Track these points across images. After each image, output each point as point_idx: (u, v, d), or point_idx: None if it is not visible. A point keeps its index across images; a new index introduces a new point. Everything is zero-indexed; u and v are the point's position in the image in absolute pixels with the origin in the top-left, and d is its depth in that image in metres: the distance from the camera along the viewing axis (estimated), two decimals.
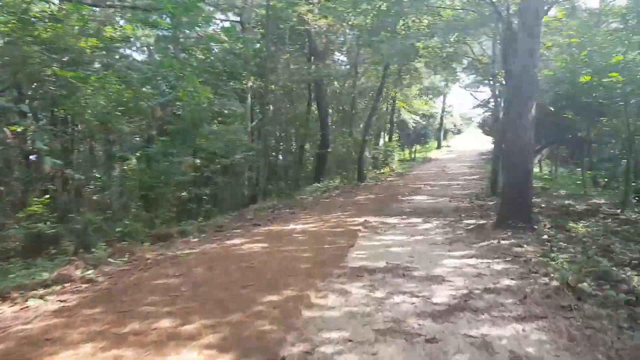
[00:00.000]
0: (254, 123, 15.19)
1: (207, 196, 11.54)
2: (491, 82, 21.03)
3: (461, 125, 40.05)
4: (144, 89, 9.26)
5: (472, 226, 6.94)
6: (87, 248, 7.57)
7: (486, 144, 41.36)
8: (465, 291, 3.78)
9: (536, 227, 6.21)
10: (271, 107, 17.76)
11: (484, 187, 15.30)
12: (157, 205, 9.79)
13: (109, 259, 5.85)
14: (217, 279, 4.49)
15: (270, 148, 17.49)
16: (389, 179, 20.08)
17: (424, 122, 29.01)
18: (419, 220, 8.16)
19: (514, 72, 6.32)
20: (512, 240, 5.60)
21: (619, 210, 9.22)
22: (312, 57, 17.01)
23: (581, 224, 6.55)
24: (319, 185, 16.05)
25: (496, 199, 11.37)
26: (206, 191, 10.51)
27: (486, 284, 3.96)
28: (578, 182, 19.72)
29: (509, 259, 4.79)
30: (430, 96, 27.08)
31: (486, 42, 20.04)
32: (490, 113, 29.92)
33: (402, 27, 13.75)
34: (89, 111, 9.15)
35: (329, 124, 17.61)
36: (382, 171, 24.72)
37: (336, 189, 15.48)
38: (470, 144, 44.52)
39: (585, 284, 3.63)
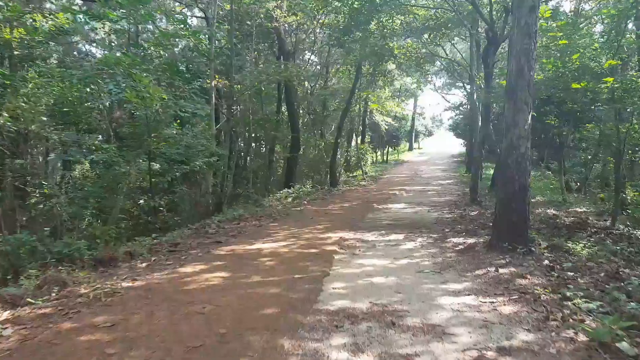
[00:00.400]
0: (219, 125, 14.08)
1: (164, 207, 10.38)
2: (466, 85, 20.72)
3: (432, 127, 40.01)
4: (88, 89, 8.08)
5: (460, 246, 6.17)
6: (18, 274, 6.37)
7: (457, 146, 41.57)
8: (475, 353, 2.94)
9: (534, 249, 5.49)
10: (239, 108, 16.70)
11: (460, 193, 14.78)
12: (105, 220, 8.58)
13: (30, 299, 4.73)
14: (158, 334, 3.48)
15: (238, 152, 16.41)
16: (362, 183, 19.36)
17: (397, 124, 28.51)
18: (400, 236, 7.34)
19: (508, 74, 5.58)
20: (512, 269, 4.83)
21: (608, 223, 8.74)
22: (281, 57, 16.04)
23: (580, 245, 5.89)
24: (289, 191, 15.10)
25: (478, 208, 10.77)
26: (161, 202, 9.35)
27: (498, 339, 3.14)
28: (551, 186, 19.69)
29: (516, 296, 4.01)
30: (403, 98, 26.55)
31: (461, 44, 19.69)
32: (461, 116, 29.80)
33: (376, 27, 13.03)
34: (24, 113, 7.86)
35: (300, 126, 16.67)
36: (354, 174, 24.04)
37: (307, 195, 14.57)
38: (441, 146, 44.67)
39: (624, 343, 2.86)
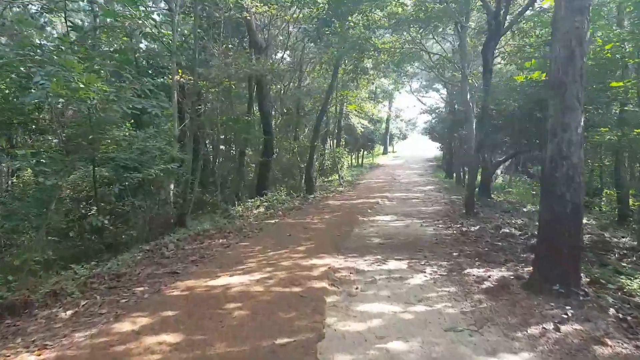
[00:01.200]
0: (182, 126, 12.34)
1: (110, 223, 8.57)
2: (449, 86, 19.69)
3: (407, 130, 39.22)
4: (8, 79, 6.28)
5: (487, 283, 4.80)
6: None
7: (432, 150, 40.97)
8: None
9: (586, 289, 4.18)
10: (206, 108, 14.96)
11: (448, 201, 13.61)
12: (27, 246, 6.76)
13: None
14: None
15: (205, 155, 14.66)
16: (339, 189, 17.96)
17: (372, 127, 27.34)
18: (402, 264, 5.91)
19: (551, 63, 4.27)
20: (578, 326, 3.48)
21: (626, 239, 7.66)
22: (253, 52, 14.43)
23: (637, 281, 4.63)
24: (262, 199, 13.51)
25: (476, 221, 9.55)
26: (105, 220, 7.54)
27: None
28: (533, 192, 18.95)
29: None
30: (380, 100, 25.39)
31: (445, 41, 18.64)
32: (437, 119, 28.96)
33: (359, 18, 11.67)
34: None
35: (273, 127, 15.10)
36: (330, 179, 22.63)
37: (282, 204, 13.02)
38: (415, 149, 44.05)
39: None
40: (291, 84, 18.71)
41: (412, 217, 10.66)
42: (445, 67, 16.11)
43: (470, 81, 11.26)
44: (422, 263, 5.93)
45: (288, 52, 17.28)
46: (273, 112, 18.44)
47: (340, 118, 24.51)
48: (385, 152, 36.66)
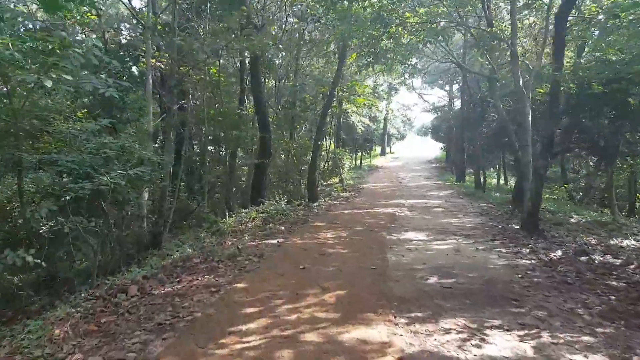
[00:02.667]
0: (158, 121, 9.72)
1: (42, 260, 5.89)
2: (464, 76, 17.25)
3: (404, 130, 36.90)
4: None
5: None
6: None
7: (432, 150, 38.73)
8: None
9: None
10: (191, 102, 12.33)
11: (479, 211, 11.19)
12: None
13: None
14: None
15: (191, 157, 12.01)
16: (343, 194, 15.44)
17: (374, 126, 24.92)
18: (521, 346, 3.39)
19: None
20: None
21: None
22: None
23: None
24: (258, 209, 10.91)
25: (547, 243, 7.10)
26: (28, 257, 4.86)
27: None
28: (554, 196, 16.66)
29: None
30: (384, 96, 22.95)
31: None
32: (441, 118, 26.70)
33: None
34: None
35: (270, 124, 12.51)
36: (329, 182, 20.11)
37: (283, 216, 10.45)
38: (414, 150, 41.78)
39: None
40: (289, 71, 16.17)
41: (451, 234, 8.20)
42: (471, 52, 13.67)
43: (521, 62, 8.84)
44: (552, 342, 3.40)
45: (286, 35, 14.68)
46: (270, 108, 15.90)
47: (339, 116, 22.01)
48: (383, 153, 34.25)
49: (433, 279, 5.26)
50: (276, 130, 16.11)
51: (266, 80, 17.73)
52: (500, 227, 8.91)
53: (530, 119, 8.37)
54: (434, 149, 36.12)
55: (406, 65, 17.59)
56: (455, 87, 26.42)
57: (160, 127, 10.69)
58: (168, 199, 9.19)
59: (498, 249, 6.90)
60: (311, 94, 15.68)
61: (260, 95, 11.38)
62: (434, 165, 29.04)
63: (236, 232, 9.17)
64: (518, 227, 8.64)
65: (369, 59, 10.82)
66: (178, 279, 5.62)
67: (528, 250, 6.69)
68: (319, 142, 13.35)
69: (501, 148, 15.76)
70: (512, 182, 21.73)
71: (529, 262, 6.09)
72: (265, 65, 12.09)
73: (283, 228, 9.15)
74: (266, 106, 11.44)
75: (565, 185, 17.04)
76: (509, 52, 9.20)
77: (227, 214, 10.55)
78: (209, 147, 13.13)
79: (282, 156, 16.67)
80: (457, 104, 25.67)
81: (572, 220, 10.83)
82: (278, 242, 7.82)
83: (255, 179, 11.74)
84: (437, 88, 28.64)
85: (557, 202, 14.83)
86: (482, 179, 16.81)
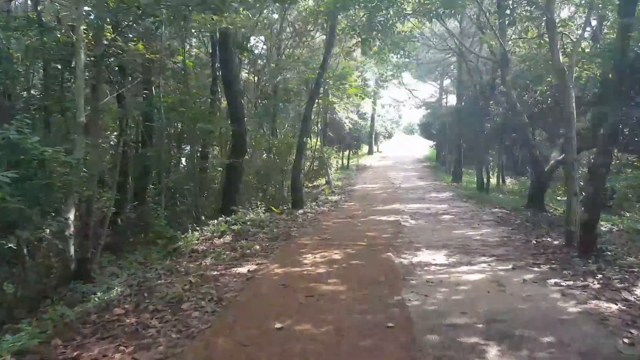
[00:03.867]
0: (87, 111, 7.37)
1: None
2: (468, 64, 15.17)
3: (392, 128, 34.95)
4: None
5: None
6: None
7: (421, 149, 36.82)
8: None
9: None
10: (150, 88, 10.00)
11: (494, 218, 9.19)
12: None
13: None
14: None
15: (144, 156, 9.67)
16: (332, 198, 13.30)
17: (363, 122, 22.85)
18: None
19: None
20: None
21: None
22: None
23: None
24: (229, 220, 8.67)
25: (614, 271, 5.08)
26: None
27: None
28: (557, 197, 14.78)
29: None
30: (375, 90, 20.91)
31: None
32: (432, 115, 24.75)
33: None
34: None
35: (244, 117, 10.28)
36: (315, 184, 17.95)
37: (261, 230, 8.27)
38: (402, 149, 39.82)
39: None
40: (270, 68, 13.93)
41: (477, 254, 6.15)
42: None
43: (560, 31, 6.84)
44: None
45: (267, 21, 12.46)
46: (246, 100, 13.65)
47: (326, 111, 19.87)
48: (371, 152, 32.21)
49: (493, 352, 3.14)
50: (258, 128, 13.89)
51: (244, 69, 15.49)
52: (533, 241, 6.89)
53: (574, 104, 6.34)
54: (422, 147, 34.26)
55: (400, 54, 15.62)
56: (447, 81, 24.61)
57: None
58: (106, 211, 6.91)
59: (553, 280, 4.85)
60: (295, 83, 13.48)
61: (231, 80, 9.13)
62: (425, 164, 27.12)
63: (198, 253, 6.96)
64: (558, 242, 6.65)
65: (363, 36, 8.68)
66: (75, 355, 3.37)
67: (598, 284, 4.65)
68: (305, 139, 11.16)
69: (510, 144, 13.81)
70: (509, 181, 19.93)
71: (615, 306, 4.03)
72: (238, 45, 9.85)
73: (258, 247, 6.95)
74: (239, 94, 9.23)
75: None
76: (543, 23, 7.21)
77: (190, 227, 8.27)
78: (171, 143, 10.77)
79: (264, 155, 14.45)
80: (451, 99, 23.95)
81: (603, 228, 8.92)
82: (249, 271, 5.62)
83: (228, 182, 9.50)
84: (429, 82, 26.72)
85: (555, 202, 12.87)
86: (484, 180, 14.85)
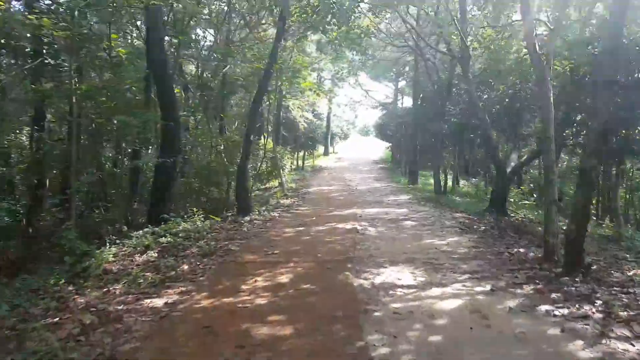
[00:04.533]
0: None
1: None
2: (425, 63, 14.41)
3: (348, 129, 34.16)
4: None
5: None
6: None
7: (377, 150, 36.31)
8: None
9: None
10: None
11: (456, 224, 8.37)
12: None
13: None
14: None
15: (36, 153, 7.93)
16: (284, 202, 12.09)
17: (318, 122, 21.76)
18: None
19: None
20: None
21: None
22: None
23: None
24: (158, 230, 7.17)
25: (609, 289, 4.26)
26: None
27: None
28: (521, 200, 14.44)
29: None
30: (331, 88, 19.89)
31: None
32: (388, 115, 24.13)
33: None
34: None
35: (178, 108, 8.81)
36: (267, 186, 16.62)
37: (195, 243, 6.87)
38: (357, 150, 39.14)
39: None
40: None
41: (448, 270, 5.22)
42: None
43: (536, 20, 6.05)
44: None
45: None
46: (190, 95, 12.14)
47: (279, 110, 18.61)
48: (326, 153, 31.20)
49: None
50: (205, 125, 12.36)
51: (190, 63, 13.94)
52: (505, 253, 6.05)
53: (552, 100, 5.54)
54: (378, 149, 33.80)
55: (355, 52, 14.69)
56: (403, 83, 24.10)
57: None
58: None
59: (543, 308, 3.94)
60: (243, 75, 12.11)
61: (160, 62, 7.63)
62: (380, 166, 26.53)
63: (111, 275, 5.49)
64: (533, 254, 5.85)
65: (318, 18, 7.52)
66: None
67: (599, 314, 3.77)
68: (252, 137, 9.82)
69: (466, 145, 13.23)
70: (462, 183, 19.57)
71: (632, 348, 3.13)
72: (172, 26, 8.37)
73: (187, 267, 5.59)
74: (171, 80, 7.72)
75: (522, 188, 14.85)
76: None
77: (108, 240, 6.71)
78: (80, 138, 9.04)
79: (208, 155, 12.91)
80: (407, 101, 23.46)
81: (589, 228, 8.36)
82: (167, 304, 4.27)
83: (157, 186, 7.96)
84: (385, 83, 26.09)
85: (519, 205, 12.43)
86: (442, 182, 14.23)
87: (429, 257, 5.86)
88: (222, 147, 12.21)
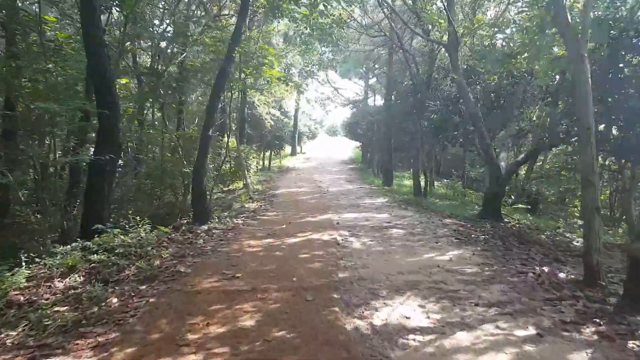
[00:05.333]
0: None
1: None
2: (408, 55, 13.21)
3: (315, 128, 32.80)
4: None
5: None
6: None
7: (346, 150, 35.17)
8: None
9: None
10: None
11: (448, 231, 7.18)
12: None
13: None
14: None
15: None
16: (250, 206, 10.57)
17: (285, 119, 20.25)
18: None
19: None
20: None
21: None
22: None
23: None
24: (89, 246, 5.48)
25: None
26: None
27: None
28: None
29: None
30: (299, 83, 18.43)
31: None
32: (358, 114, 22.97)
33: None
34: None
35: (117, 95, 7.13)
36: (231, 187, 14.97)
37: (134, 260, 5.27)
38: (325, 150, 37.84)
39: None
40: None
41: (464, 299, 3.99)
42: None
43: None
44: None
45: None
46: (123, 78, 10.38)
47: (243, 106, 16.98)
48: (294, 153, 29.69)
49: None
50: (161, 123, 10.59)
51: (146, 54, 12.07)
52: (528, 273, 4.87)
53: (588, 100, 4.41)
54: (347, 148, 32.68)
55: (327, 43, 13.40)
56: (373, 80, 23.01)
57: None
58: None
59: None
60: (202, 63, 10.47)
61: (93, 36, 5.93)
62: (350, 166, 25.37)
63: (14, 310, 3.86)
64: (565, 274, 4.71)
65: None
66: None
67: None
68: (210, 134, 8.20)
69: (441, 145, 12.20)
70: (436, 184, 18.69)
71: None
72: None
73: (116, 301, 4.03)
74: (106, 58, 6.05)
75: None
76: None
77: (25, 258, 4.97)
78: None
79: (165, 153, 11.15)
80: (378, 99, 22.36)
81: (576, 243, 7.40)
82: None
83: (90, 190, 6.25)
84: (354, 80, 24.92)
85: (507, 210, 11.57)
86: (422, 184, 13.16)
87: (435, 280, 4.60)
88: (178, 144, 10.53)
